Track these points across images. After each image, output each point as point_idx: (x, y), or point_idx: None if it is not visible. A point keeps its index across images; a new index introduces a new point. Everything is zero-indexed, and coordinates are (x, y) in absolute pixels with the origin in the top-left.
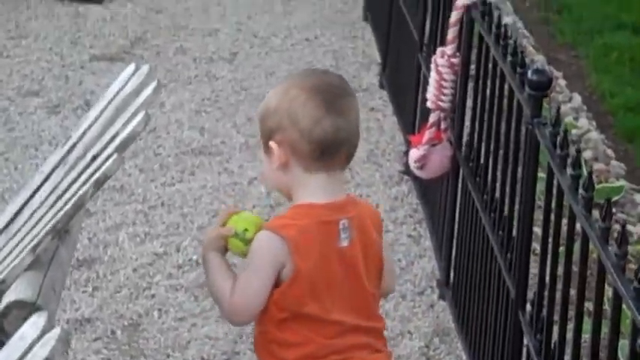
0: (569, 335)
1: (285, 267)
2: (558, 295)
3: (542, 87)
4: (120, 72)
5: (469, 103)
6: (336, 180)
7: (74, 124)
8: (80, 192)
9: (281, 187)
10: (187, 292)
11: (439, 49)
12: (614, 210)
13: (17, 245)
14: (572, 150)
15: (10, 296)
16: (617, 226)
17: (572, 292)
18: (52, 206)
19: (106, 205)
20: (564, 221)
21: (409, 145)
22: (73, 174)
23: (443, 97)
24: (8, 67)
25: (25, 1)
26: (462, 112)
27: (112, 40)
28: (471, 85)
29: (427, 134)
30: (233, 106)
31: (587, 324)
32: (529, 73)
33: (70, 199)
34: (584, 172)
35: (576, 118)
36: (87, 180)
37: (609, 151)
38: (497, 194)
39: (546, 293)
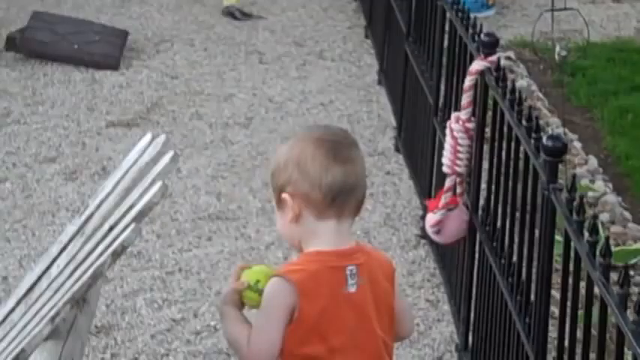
0: None
1: (295, 310)
2: (577, 359)
3: (558, 153)
4: (136, 138)
5: (485, 166)
6: (345, 228)
7: (91, 190)
8: (98, 262)
9: (293, 240)
10: (205, 359)
11: (454, 114)
12: (632, 273)
13: (36, 314)
14: (588, 215)
15: None
16: (635, 289)
17: (592, 356)
18: (70, 276)
19: (124, 270)
20: (582, 284)
21: (426, 209)
22: (91, 244)
23: (458, 162)
24: (25, 133)
25: (41, 67)
26: (478, 176)
27: (128, 106)
28: (486, 147)
29: (443, 199)
30: (249, 171)
31: None
32: (544, 138)
33: (88, 268)
34: (602, 237)
35: (592, 181)
36: (105, 250)
37: (626, 214)
38: (515, 258)
39: (565, 357)
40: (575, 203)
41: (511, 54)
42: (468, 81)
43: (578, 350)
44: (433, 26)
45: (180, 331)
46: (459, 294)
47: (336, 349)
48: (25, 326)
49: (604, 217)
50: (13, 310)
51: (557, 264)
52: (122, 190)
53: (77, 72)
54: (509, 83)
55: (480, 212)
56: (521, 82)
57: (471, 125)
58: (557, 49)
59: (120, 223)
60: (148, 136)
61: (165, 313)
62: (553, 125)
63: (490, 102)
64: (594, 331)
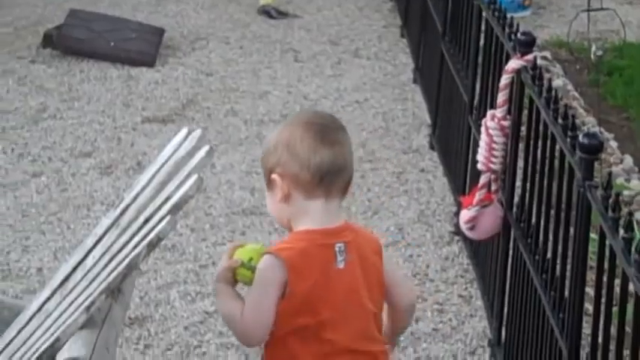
0: None
1: (286, 286)
2: (611, 356)
3: (594, 150)
4: (171, 134)
5: (520, 163)
6: (333, 208)
7: (126, 185)
8: (133, 253)
9: (283, 220)
10: (238, 351)
11: (489, 112)
12: None
13: (71, 304)
14: (624, 212)
15: (64, 355)
16: None
17: (626, 352)
18: (105, 267)
19: (158, 264)
20: (617, 281)
21: (460, 206)
22: (126, 236)
23: (493, 159)
24: (61, 128)
25: (78, 64)
26: (513, 174)
27: (163, 103)
28: (521, 146)
29: (478, 195)
30: None
31: None
32: (580, 136)
33: (123, 260)
34: (637, 234)
35: (628, 180)
36: (140, 242)
37: None
38: (549, 255)
39: (599, 354)
40: (610, 200)
41: (547, 54)
42: (504, 79)
43: (612, 347)
44: (469, 25)
45: (212, 323)
46: (493, 290)
47: (326, 322)
48: (60, 315)
49: (639, 215)
50: (48, 299)
51: (592, 261)
52: (158, 183)
53: (113, 69)
54: (545, 82)
55: (514, 209)
56: (557, 82)
57: (506, 123)
58: (594, 48)
59: (155, 216)
60: (184, 131)
61: (199, 306)
62: (589, 124)
63: (526, 100)
64: (628, 329)
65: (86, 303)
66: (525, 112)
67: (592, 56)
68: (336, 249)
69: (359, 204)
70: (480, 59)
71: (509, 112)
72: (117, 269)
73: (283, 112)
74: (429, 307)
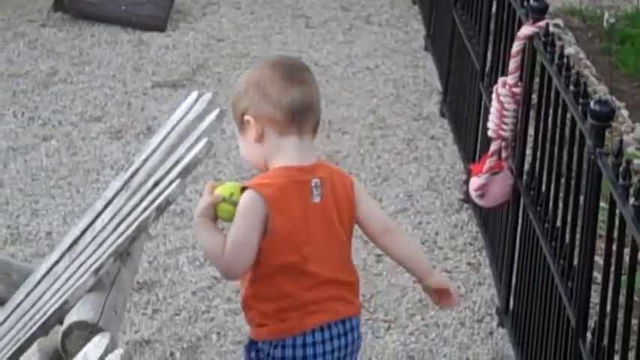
0: None
1: (268, 222)
2: (619, 324)
3: (605, 117)
4: (182, 98)
5: (530, 131)
6: (307, 145)
7: (136, 150)
8: (142, 216)
9: (259, 160)
10: None
11: (501, 79)
12: None
13: (80, 267)
14: (634, 180)
15: (72, 317)
16: None
17: (634, 321)
18: (114, 230)
19: (167, 229)
20: (626, 250)
21: (470, 173)
22: (135, 199)
23: (504, 127)
24: (72, 92)
25: (88, 28)
26: (524, 141)
27: (174, 68)
28: (532, 113)
29: (488, 163)
30: None
31: None
32: (592, 103)
33: (132, 223)
34: None
35: (639, 149)
36: (149, 205)
37: None
38: (559, 223)
39: (607, 322)
40: (621, 168)
41: (559, 21)
42: (516, 46)
43: (620, 315)
44: None
45: (221, 288)
46: (501, 257)
47: (309, 256)
48: (68, 278)
49: None
50: (57, 262)
51: (601, 230)
52: (168, 146)
53: (124, 33)
54: (557, 49)
55: (524, 177)
56: (569, 50)
57: (517, 90)
58: (606, 16)
59: (165, 179)
60: (194, 94)
61: (207, 271)
62: (600, 93)
63: (537, 68)
64: (637, 298)
65: (95, 266)
66: (537, 79)
67: (604, 24)
68: (313, 184)
69: (368, 171)
70: (491, 26)
71: (520, 79)
72: (126, 232)
73: None
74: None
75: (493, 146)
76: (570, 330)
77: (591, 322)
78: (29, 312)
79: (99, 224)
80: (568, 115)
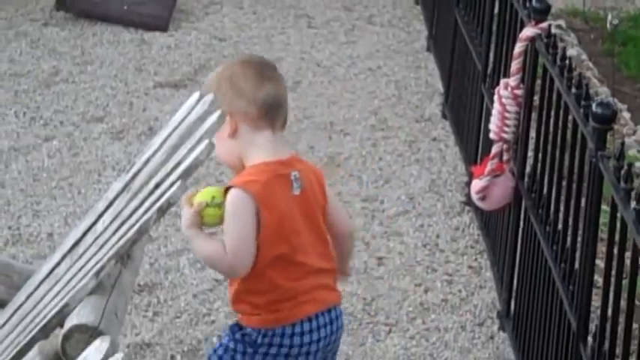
0: None
1: (259, 217)
2: (620, 328)
3: (607, 120)
4: (184, 99)
5: (532, 133)
6: (279, 140)
7: (138, 150)
8: (144, 218)
9: (232, 157)
10: None
11: (503, 81)
12: None
13: (81, 269)
14: (636, 183)
15: (73, 320)
16: None
17: (635, 326)
18: (115, 232)
19: (168, 230)
20: (627, 254)
21: (471, 175)
22: (137, 201)
23: (506, 129)
24: (73, 92)
25: (90, 27)
26: (525, 144)
27: (176, 68)
28: (534, 116)
29: (489, 165)
30: (295, 135)
31: None
32: (593, 106)
33: (133, 225)
34: None
35: None
36: (150, 207)
37: None
38: (560, 226)
39: (608, 326)
40: (622, 171)
41: (562, 22)
42: (518, 47)
43: (621, 320)
44: None
45: (222, 291)
46: (503, 261)
47: (297, 247)
48: (69, 280)
49: None
50: (58, 264)
51: (602, 233)
52: (169, 147)
53: (126, 32)
54: (559, 50)
55: (526, 179)
56: (571, 51)
57: (519, 92)
58: (609, 17)
59: (166, 181)
60: (196, 95)
61: (208, 273)
62: (602, 95)
63: (539, 70)
64: (638, 302)
65: (96, 268)
66: (539, 81)
67: (607, 25)
68: (292, 177)
69: (370, 172)
70: (494, 27)
71: (522, 80)
72: (127, 235)
73: (296, 78)
74: (438, 278)
75: (495, 148)
76: (571, 334)
77: (592, 326)
78: (30, 314)
79: (100, 226)
80: (570, 118)
